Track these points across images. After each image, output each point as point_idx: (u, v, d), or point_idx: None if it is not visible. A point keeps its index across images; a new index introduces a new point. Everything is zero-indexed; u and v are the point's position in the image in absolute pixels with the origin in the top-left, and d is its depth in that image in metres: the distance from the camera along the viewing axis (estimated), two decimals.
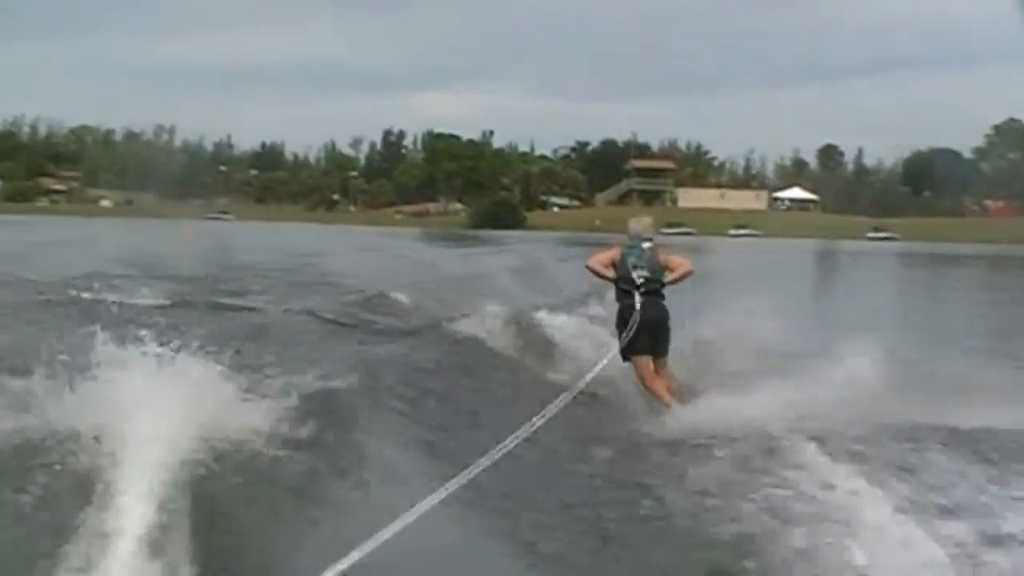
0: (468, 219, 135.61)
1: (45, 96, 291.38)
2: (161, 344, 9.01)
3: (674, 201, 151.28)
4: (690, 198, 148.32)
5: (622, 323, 11.95)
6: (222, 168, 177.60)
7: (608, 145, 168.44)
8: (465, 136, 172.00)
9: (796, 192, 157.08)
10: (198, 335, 10.28)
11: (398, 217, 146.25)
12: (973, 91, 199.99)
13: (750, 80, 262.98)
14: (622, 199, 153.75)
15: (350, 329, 17.44)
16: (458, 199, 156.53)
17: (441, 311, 19.52)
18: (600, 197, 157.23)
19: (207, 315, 18.34)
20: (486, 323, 16.78)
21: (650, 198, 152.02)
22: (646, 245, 12.19)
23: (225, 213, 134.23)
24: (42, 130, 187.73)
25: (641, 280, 11.91)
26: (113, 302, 21.03)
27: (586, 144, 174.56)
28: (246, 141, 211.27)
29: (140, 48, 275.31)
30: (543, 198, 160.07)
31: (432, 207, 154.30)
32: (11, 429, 7.95)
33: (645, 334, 11.77)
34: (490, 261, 44.93)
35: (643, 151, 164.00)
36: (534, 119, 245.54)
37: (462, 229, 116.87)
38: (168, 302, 21.05)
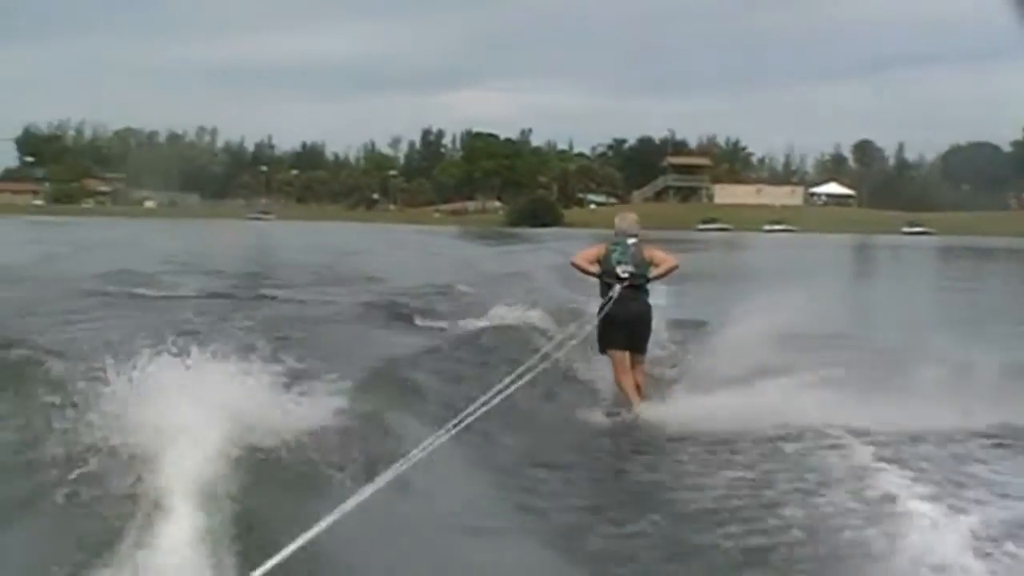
0: (505, 217, 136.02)
1: (89, 99, 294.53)
2: (202, 337, 9.57)
3: (710, 197, 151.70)
4: (726, 194, 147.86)
5: (600, 312, 12.01)
6: (263, 168, 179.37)
7: (645, 143, 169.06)
8: (504, 134, 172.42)
9: (833, 188, 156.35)
10: (241, 327, 11.01)
11: (437, 216, 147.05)
12: (1013, 84, 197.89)
13: (790, 75, 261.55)
14: (658, 196, 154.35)
15: (380, 323, 18.16)
16: (496, 197, 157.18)
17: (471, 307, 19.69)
18: (637, 194, 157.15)
19: (249, 307, 19.50)
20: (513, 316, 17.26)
21: (686, 195, 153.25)
22: (631, 241, 12.16)
23: (266, 213, 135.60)
24: (87, 133, 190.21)
25: (625, 275, 11.87)
26: (161, 296, 22.54)
27: (623, 142, 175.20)
28: (287, 142, 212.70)
29: (181, 50, 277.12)
30: (580, 195, 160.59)
31: (470, 205, 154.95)
32: (61, 421, 8.22)
33: (624, 329, 11.85)
34: (527, 259, 44.73)
35: (680, 148, 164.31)
36: (573, 116, 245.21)
37: (499, 227, 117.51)
38: (211, 296, 22.43)
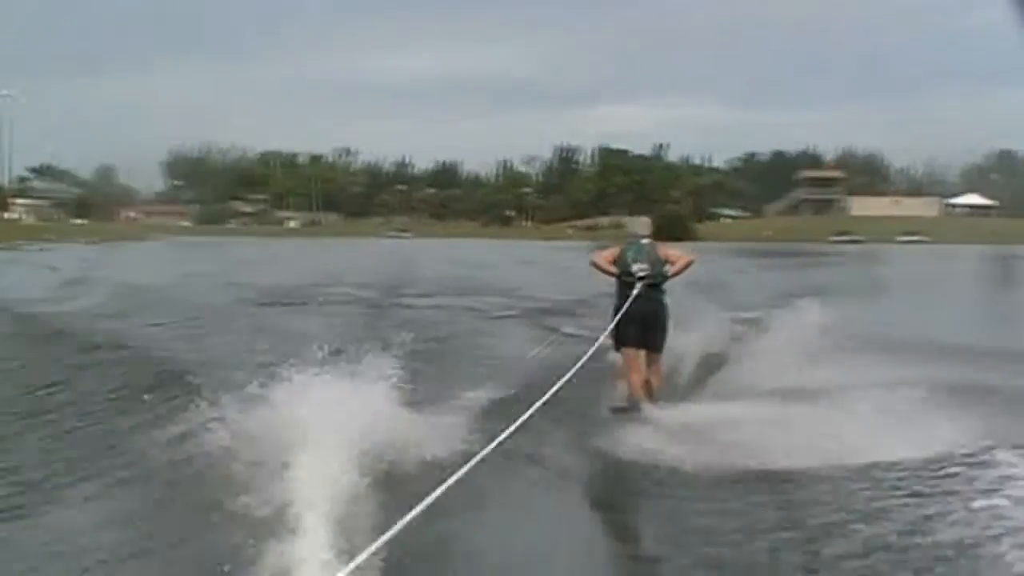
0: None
1: (233, 123, 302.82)
2: (350, 348, 10.35)
3: (845, 210, 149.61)
4: (862, 206, 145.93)
5: (616, 314, 12.11)
6: (401, 187, 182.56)
7: (778, 156, 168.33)
8: (639, 149, 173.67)
9: (973, 199, 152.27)
10: (387, 338, 12.07)
11: (570, 232, 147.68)
12: None
13: (929, 84, 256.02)
14: (792, 209, 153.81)
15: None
16: (629, 212, 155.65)
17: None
18: (769, 208, 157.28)
19: (391, 316, 21.62)
20: None
21: (820, 207, 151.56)
22: (644, 242, 12.35)
23: (404, 231, 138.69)
24: (231, 156, 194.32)
25: (641, 273, 11.99)
26: (320, 302, 24.95)
27: (756, 155, 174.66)
28: (424, 160, 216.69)
29: (320, 71, 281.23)
30: (713, 210, 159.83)
31: (603, 221, 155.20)
32: (217, 423, 8.79)
33: (635, 326, 11.89)
34: None
35: (813, 161, 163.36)
36: (711, 129, 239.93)
37: None
38: (360, 304, 24.69)
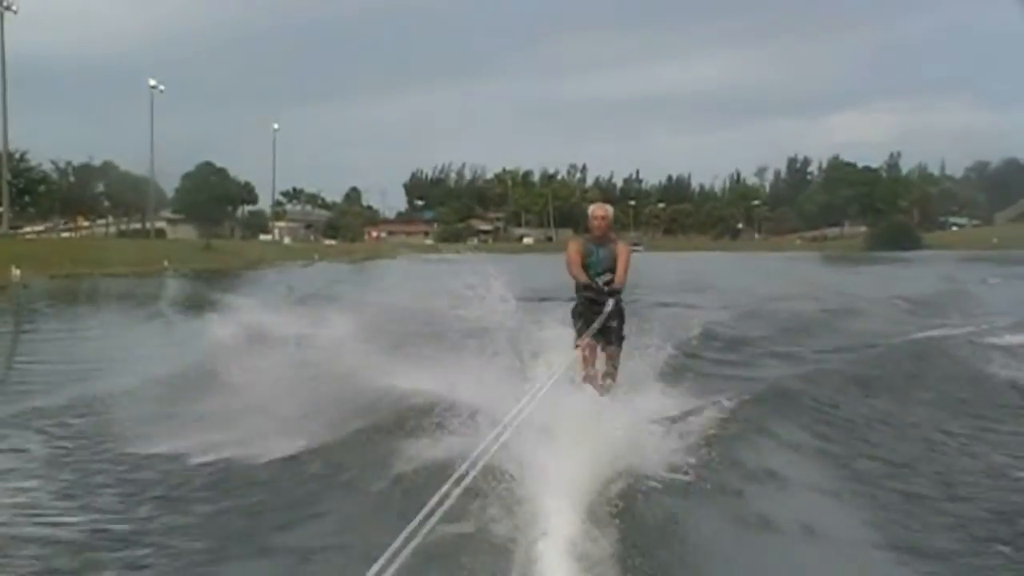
0: (864, 242, 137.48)
1: (467, 143, 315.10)
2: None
3: None
4: None
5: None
6: (631, 202, 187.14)
7: (1010, 163, 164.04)
8: (875, 156, 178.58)
9: None
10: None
11: (798, 243, 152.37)
12: None
13: None
14: (1021, 217, 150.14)
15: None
16: (860, 223, 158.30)
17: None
18: (999, 216, 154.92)
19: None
20: None
21: None
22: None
23: (637, 244, 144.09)
24: (467, 175, 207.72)
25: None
26: None
27: (988, 164, 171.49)
28: (654, 175, 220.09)
29: (548, 90, 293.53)
30: (942, 218, 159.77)
31: (829, 232, 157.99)
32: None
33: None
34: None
35: None
36: (953, 133, 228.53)
37: (859, 252, 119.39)
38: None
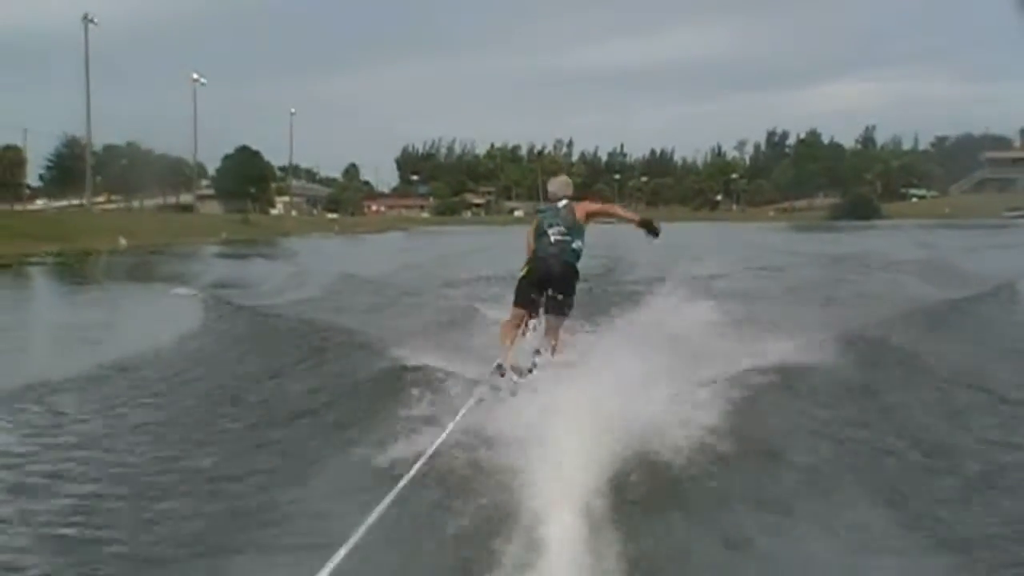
0: (828, 212, 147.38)
1: (455, 117, 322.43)
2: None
3: None
4: None
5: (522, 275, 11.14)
6: (616, 176, 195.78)
7: (966, 139, 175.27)
8: (853, 128, 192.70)
9: None
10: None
11: (771, 214, 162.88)
12: None
13: None
14: (975, 188, 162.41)
15: None
16: (833, 195, 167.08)
17: None
18: (954, 187, 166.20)
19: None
20: None
21: (1003, 186, 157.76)
22: (561, 204, 11.25)
23: None
24: (457, 150, 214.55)
25: (556, 238, 10.93)
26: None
27: (946, 138, 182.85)
28: (638, 148, 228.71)
29: (534, 64, 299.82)
30: (903, 190, 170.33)
31: (798, 204, 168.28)
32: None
33: (535, 289, 10.93)
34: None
35: (998, 142, 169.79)
36: (932, 103, 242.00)
37: (822, 222, 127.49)
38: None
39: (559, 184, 11.71)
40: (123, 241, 61.27)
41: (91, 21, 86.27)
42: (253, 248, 59.68)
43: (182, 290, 26.48)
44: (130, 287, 34.82)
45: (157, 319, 20.88)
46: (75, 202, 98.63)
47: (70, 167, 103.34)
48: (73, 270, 44.91)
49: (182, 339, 16.63)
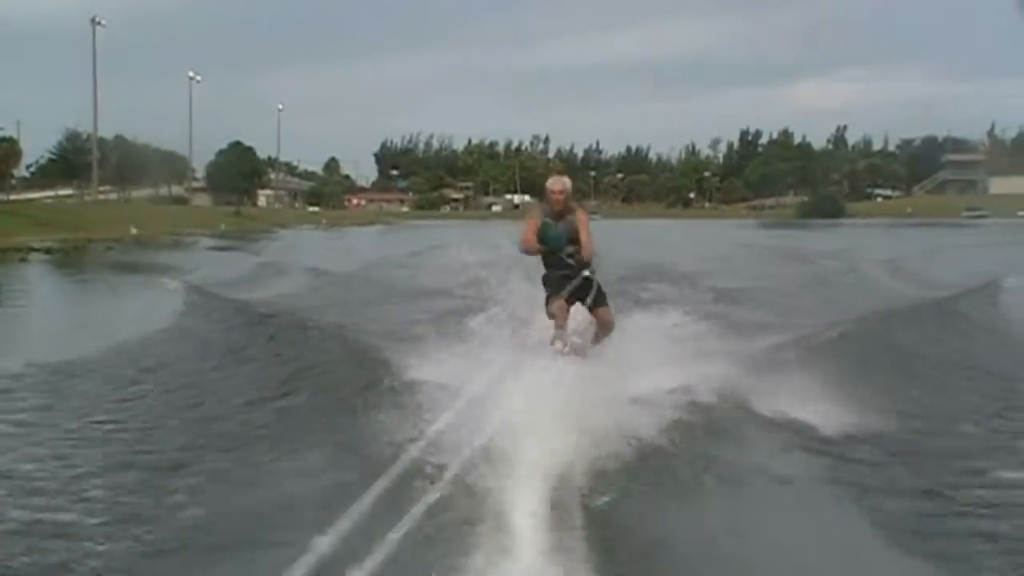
0: (795, 211, 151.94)
1: (432, 112, 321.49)
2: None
3: (988, 190, 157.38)
4: (1005, 186, 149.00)
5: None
6: (592, 172, 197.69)
7: (929, 141, 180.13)
8: (825, 127, 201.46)
9: None
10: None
11: (744, 211, 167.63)
12: None
13: None
14: (937, 189, 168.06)
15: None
16: (796, 193, 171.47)
17: None
18: (917, 188, 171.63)
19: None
20: None
21: (963, 187, 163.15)
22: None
23: (593, 213, 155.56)
24: (435, 145, 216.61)
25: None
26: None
27: (912, 140, 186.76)
28: (613, 145, 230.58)
29: (511, 58, 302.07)
30: (869, 190, 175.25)
31: (767, 202, 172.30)
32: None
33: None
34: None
35: (960, 144, 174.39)
36: (909, 104, 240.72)
37: (789, 219, 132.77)
38: None
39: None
40: (134, 230, 65.43)
41: (99, 23, 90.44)
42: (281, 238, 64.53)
43: None
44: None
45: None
46: (62, 193, 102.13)
47: (71, 160, 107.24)
48: (130, 250, 51.25)
49: None
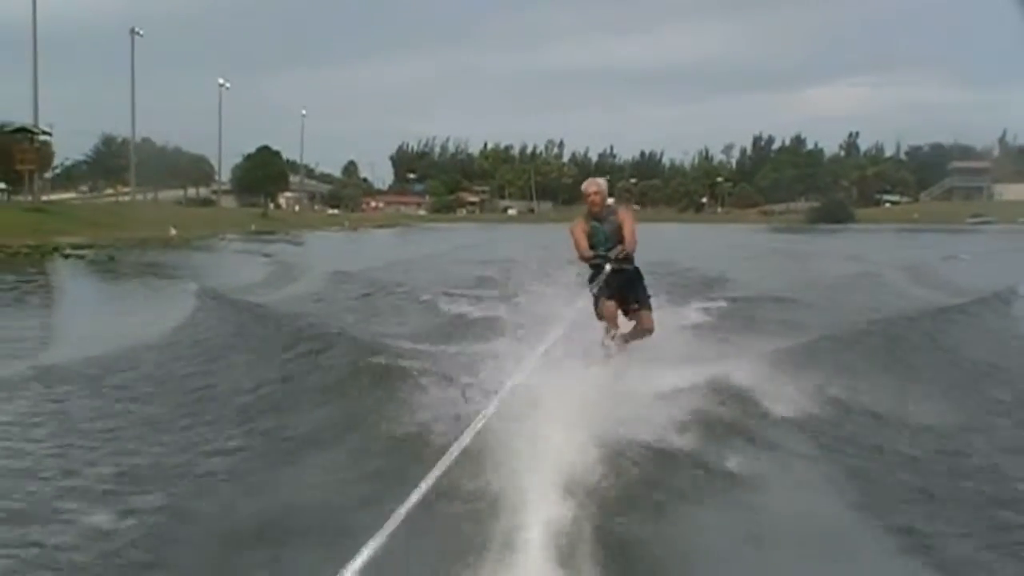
0: (805, 216, 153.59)
1: (448, 115, 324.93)
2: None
3: (993, 197, 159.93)
4: (1011, 192, 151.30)
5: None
6: (606, 177, 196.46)
7: (936, 148, 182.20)
8: (838, 132, 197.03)
9: None
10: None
11: (754, 216, 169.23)
12: None
13: None
14: (943, 196, 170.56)
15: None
16: (807, 199, 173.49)
17: None
18: (924, 194, 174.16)
19: None
20: None
21: (969, 193, 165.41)
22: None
23: None
24: (451, 148, 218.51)
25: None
26: None
27: (919, 147, 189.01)
28: (627, 150, 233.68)
29: (527, 62, 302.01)
30: (877, 196, 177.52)
31: (777, 208, 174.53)
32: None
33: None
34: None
35: (966, 151, 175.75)
36: (922, 109, 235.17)
37: (799, 224, 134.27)
38: None
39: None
40: (173, 231, 68.93)
41: (138, 34, 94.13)
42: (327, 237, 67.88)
43: None
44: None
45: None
46: (84, 191, 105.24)
47: (107, 163, 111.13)
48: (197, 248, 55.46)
49: None
